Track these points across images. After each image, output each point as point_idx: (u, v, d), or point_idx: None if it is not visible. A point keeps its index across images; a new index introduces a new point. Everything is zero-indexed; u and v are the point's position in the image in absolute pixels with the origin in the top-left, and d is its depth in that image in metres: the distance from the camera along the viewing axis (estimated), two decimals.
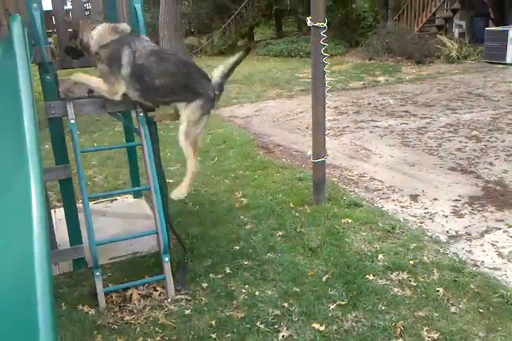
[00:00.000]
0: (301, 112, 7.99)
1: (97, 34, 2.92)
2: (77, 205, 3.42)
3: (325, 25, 3.92)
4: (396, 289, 3.00)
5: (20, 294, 1.84)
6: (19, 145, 2.30)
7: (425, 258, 3.31)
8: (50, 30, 6.09)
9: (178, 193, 3.11)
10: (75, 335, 2.59)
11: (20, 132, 2.31)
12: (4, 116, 2.55)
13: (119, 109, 3.37)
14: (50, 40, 3.52)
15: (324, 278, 3.10)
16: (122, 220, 4.04)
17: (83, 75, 3.04)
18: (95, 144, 6.37)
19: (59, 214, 3.79)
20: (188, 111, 2.94)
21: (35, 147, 2.28)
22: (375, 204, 4.26)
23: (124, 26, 3.03)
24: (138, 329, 2.69)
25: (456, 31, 14.46)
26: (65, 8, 4.08)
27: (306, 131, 6.84)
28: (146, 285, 3.07)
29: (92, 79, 2.99)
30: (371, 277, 3.10)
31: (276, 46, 16.63)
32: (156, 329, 2.69)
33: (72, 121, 3.14)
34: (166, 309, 2.87)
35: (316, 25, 3.92)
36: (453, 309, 2.79)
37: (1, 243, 2.07)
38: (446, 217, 3.97)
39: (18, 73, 2.45)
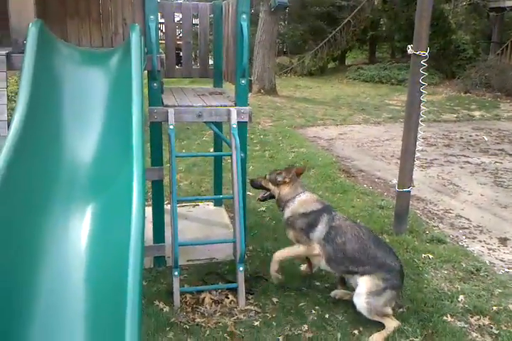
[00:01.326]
0: (387, 140, 7.85)
1: (303, 203, 3.11)
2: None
3: (426, 53, 3.86)
4: (475, 334, 2.82)
5: (114, 280, 1.98)
6: (126, 144, 2.49)
7: (510, 306, 3.10)
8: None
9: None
10: (149, 329, 2.69)
11: (129, 132, 2.50)
12: (116, 115, 2.77)
13: (214, 120, 3.51)
14: (160, 50, 3.78)
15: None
16: (202, 225, 4.18)
17: (282, 252, 3.15)
18: (183, 151, 6.65)
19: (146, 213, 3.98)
20: (368, 279, 2.87)
21: (140, 147, 2.46)
22: (460, 243, 4.06)
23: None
24: (207, 333, 2.75)
25: None
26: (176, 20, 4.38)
27: (391, 159, 6.71)
28: (219, 291, 3.13)
29: (289, 251, 3.14)
30: (449, 318, 2.95)
31: (368, 71, 16.51)
32: (225, 335, 2.73)
33: (172, 127, 3.33)
34: (236, 317, 2.91)
35: (417, 53, 3.87)
36: None
37: (101, 230, 2.25)
38: None
39: (132, 78, 2.67)
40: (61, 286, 2.00)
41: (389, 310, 2.84)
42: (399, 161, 4.26)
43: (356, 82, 16.12)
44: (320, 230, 2.98)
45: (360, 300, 2.82)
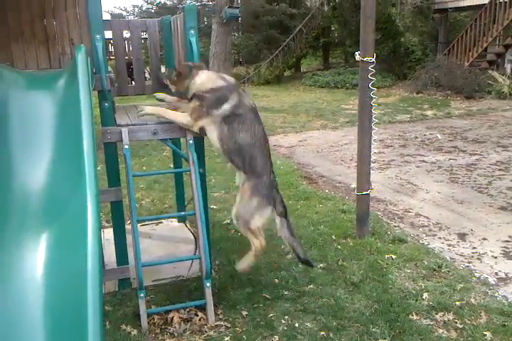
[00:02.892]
0: (345, 144, 8.00)
1: (207, 78, 3.09)
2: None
3: (373, 59, 3.97)
4: (441, 330, 2.90)
5: (73, 308, 1.93)
6: (78, 167, 2.45)
7: (472, 300, 3.20)
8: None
9: (244, 265, 3.17)
10: None
11: (80, 155, 2.46)
12: (66, 139, 2.72)
13: (169, 136, 3.50)
14: (109, 68, 3.74)
15: (366, 314, 3.04)
16: (166, 243, 4.13)
17: (158, 108, 3.20)
18: (144, 168, 6.58)
19: (107, 235, 3.91)
20: (243, 188, 3.01)
21: (92, 170, 2.43)
22: (421, 241, 4.16)
23: (227, 76, 3.20)
24: None
25: (508, 67, 14.21)
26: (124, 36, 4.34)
27: (351, 162, 6.83)
28: (188, 309, 3.09)
29: (170, 113, 3.16)
30: (415, 316, 3.02)
31: (323, 77, 16.83)
32: None
33: (126, 147, 3.28)
34: (206, 334, 2.89)
35: (365, 59, 3.98)
36: None
37: (57, 258, 2.19)
38: (496, 258, 3.83)
39: (80, 100, 2.63)
40: (17, 319, 1.93)
41: (256, 223, 2.96)
42: None
43: (313, 88, 16.39)
44: (225, 109, 2.98)
45: (233, 210, 3.01)
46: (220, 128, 3.02)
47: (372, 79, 4.00)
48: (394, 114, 10.56)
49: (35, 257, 2.16)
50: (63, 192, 2.49)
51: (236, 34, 21.36)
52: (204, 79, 3.08)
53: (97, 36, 3.26)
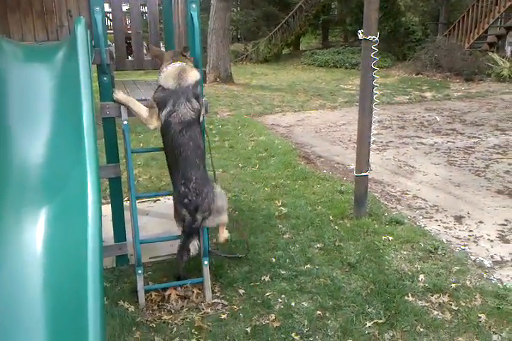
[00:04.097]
0: (344, 124, 7.96)
1: (165, 75, 2.95)
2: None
3: (376, 38, 3.90)
4: (436, 312, 2.93)
5: (73, 283, 1.92)
6: (78, 142, 2.41)
7: (468, 283, 3.23)
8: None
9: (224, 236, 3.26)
10: (114, 330, 2.65)
11: (80, 129, 2.42)
12: (65, 113, 2.67)
13: None
14: (109, 42, 3.65)
15: (362, 295, 3.07)
16: (164, 221, 4.11)
17: (128, 98, 3.09)
18: (141, 144, 6.52)
19: (104, 211, 3.88)
20: None
21: (93, 144, 2.39)
22: (418, 223, 4.18)
23: (191, 75, 2.96)
24: (175, 330, 2.73)
25: (508, 49, 14.08)
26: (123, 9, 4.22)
27: (349, 143, 6.81)
28: (185, 286, 3.11)
29: (136, 105, 3.04)
30: (410, 298, 3.04)
31: (322, 56, 16.64)
32: (192, 330, 2.73)
33: (125, 122, 3.23)
34: (203, 312, 2.91)
35: (368, 38, 3.91)
36: (495, 337, 2.70)
37: (56, 233, 2.17)
38: (492, 241, 3.86)
39: (80, 73, 2.57)
40: (17, 292, 1.92)
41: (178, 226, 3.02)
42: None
43: (311, 67, 16.23)
44: (164, 114, 2.88)
45: None
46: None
47: (375, 59, 3.94)
48: (393, 95, 10.49)
49: (34, 232, 2.14)
50: (63, 166, 2.46)
51: (235, 10, 20.97)
52: (165, 74, 2.95)
53: (97, 8, 3.16)
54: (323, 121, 8.29)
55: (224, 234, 3.25)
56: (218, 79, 12.78)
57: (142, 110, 3.00)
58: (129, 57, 4.25)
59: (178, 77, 2.91)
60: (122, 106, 3.21)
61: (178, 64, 2.97)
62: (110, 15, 3.96)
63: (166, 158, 3.03)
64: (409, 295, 3.07)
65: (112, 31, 4.04)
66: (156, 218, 4.20)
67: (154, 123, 2.96)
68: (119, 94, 3.10)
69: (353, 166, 4.36)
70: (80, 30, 2.71)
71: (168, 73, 2.94)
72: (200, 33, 3.32)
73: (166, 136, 2.92)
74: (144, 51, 4.41)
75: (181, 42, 3.69)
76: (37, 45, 3.28)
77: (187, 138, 2.86)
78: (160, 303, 2.98)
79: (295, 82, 12.82)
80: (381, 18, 15.59)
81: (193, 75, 2.96)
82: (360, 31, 3.93)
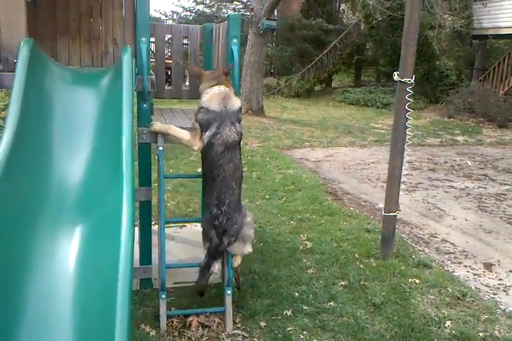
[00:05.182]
0: (373, 163, 7.93)
1: (210, 97, 2.98)
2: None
3: (412, 81, 3.95)
4: None
5: (101, 304, 1.94)
6: (116, 165, 2.48)
7: (496, 333, 3.11)
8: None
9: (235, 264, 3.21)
10: None
11: (118, 153, 2.49)
12: (105, 137, 2.76)
13: None
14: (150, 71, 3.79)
15: (386, 337, 2.98)
16: (189, 247, 4.13)
17: (166, 125, 3.15)
18: (171, 170, 6.63)
19: None
20: None
21: (130, 168, 2.45)
22: (446, 268, 4.08)
23: (235, 101, 3.02)
24: None
25: None
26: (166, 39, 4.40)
27: (377, 182, 6.78)
28: (207, 314, 3.08)
29: (177, 130, 3.08)
30: None
31: (354, 94, 16.80)
32: None
33: (161, 148, 3.31)
34: None
35: (403, 80, 3.96)
36: None
37: (89, 253, 2.21)
38: None
39: (123, 99, 2.67)
40: (48, 309, 1.96)
41: (204, 247, 3.01)
42: (384, 184, 4.31)
43: (342, 104, 16.37)
44: (207, 136, 2.89)
45: None
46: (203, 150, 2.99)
47: (410, 101, 3.97)
48: (424, 137, 10.46)
49: (68, 249, 2.19)
50: (99, 188, 2.52)
51: (270, 45, 21.53)
52: (210, 96, 2.98)
53: (143, 39, 3.31)
54: (352, 159, 8.29)
55: (236, 262, 3.18)
56: (250, 112, 13.01)
57: (184, 134, 3.06)
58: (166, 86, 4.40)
59: (223, 100, 2.95)
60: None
61: (222, 88, 3.02)
62: (152, 45, 4.10)
63: (203, 179, 3.10)
64: None
65: (153, 60, 4.21)
66: (181, 244, 4.22)
67: (198, 144, 2.98)
68: (157, 125, 3.16)
69: (381, 205, 4.32)
70: (127, 58, 2.84)
71: (213, 96, 2.98)
72: (239, 65, 3.43)
73: (207, 156, 2.94)
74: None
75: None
76: (83, 70, 3.44)
77: (227, 159, 2.89)
78: (181, 330, 2.96)
79: (325, 118, 12.93)
80: (416, 61, 15.69)
81: (237, 101, 3.04)
82: (395, 73, 3.99)
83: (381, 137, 10.22)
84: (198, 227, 4.66)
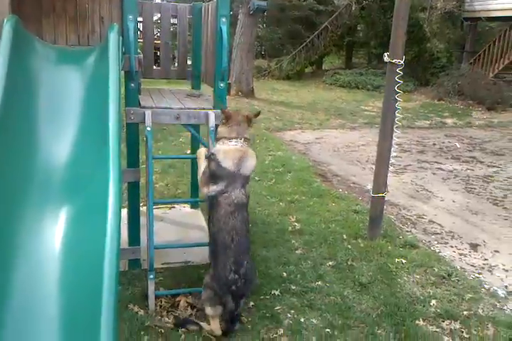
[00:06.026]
0: (362, 145, 7.95)
1: (225, 152, 2.82)
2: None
3: (402, 62, 3.93)
4: (446, 338, 2.88)
5: (88, 283, 1.94)
6: (102, 145, 2.45)
7: (480, 311, 3.17)
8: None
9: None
10: (123, 333, 2.65)
11: (105, 132, 2.46)
12: (92, 116, 2.72)
13: (191, 122, 3.48)
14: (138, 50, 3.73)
15: (372, 316, 3.03)
16: (178, 228, 4.14)
17: (202, 159, 3.02)
18: (160, 152, 6.58)
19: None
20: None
21: (117, 148, 2.43)
22: (432, 248, 4.13)
23: (251, 164, 2.85)
24: (182, 337, 2.73)
25: None
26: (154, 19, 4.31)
27: (366, 164, 6.80)
28: (195, 294, 3.10)
29: (201, 166, 2.97)
30: (421, 322, 3.00)
31: (344, 76, 16.72)
32: (200, 339, 2.71)
33: (149, 129, 3.29)
34: None
35: (393, 61, 3.94)
36: None
37: (76, 233, 2.20)
38: (507, 271, 3.79)
39: (109, 78, 2.63)
40: (34, 289, 1.95)
41: (208, 311, 2.72)
42: (373, 166, 4.32)
43: (333, 86, 16.30)
44: (213, 190, 2.77)
45: None
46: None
47: (400, 82, 3.96)
48: (413, 119, 10.48)
49: (54, 230, 2.17)
50: (86, 168, 2.50)
51: (261, 26, 21.26)
52: (225, 151, 2.82)
53: (130, 17, 3.25)
54: (342, 141, 8.30)
55: None
56: (240, 93, 12.91)
57: (200, 173, 2.94)
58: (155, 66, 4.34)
59: (239, 161, 2.78)
60: (147, 112, 3.27)
61: (240, 144, 2.85)
62: (140, 25, 4.01)
63: (211, 239, 2.81)
64: (421, 319, 3.03)
65: (141, 40, 4.14)
66: (170, 225, 4.22)
67: (203, 189, 2.86)
68: (202, 152, 3.07)
69: (369, 186, 4.33)
70: (113, 37, 2.78)
71: (230, 152, 2.81)
72: (228, 45, 3.37)
73: (216, 214, 2.75)
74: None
75: (208, 55, 3.76)
76: (69, 48, 3.37)
77: (239, 221, 2.73)
78: (169, 309, 2.98)
79: (316, 101, 12.89)
80: (406, 43, 15.56)
81: (252, 164, 2.86)
82: (386, 54, 3.96)
83: (371, 119, 10.23)
84: (186, 209, 4.68)
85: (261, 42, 21.20)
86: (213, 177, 2.79)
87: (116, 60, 2.70)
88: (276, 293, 3.23)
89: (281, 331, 2.84)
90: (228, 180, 2.76)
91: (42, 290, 1.95)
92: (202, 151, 3.12)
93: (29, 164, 2.40)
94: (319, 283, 3.40)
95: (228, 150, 2.82)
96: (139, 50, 3.64)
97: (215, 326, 2.73)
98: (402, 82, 3.96)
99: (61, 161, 2.52)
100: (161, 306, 3.00)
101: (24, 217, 2.18)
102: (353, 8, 18.17)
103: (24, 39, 2.76)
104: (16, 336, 1.84)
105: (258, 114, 3.16)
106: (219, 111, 3.28)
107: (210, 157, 2.86)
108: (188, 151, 5.80)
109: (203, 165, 2.96)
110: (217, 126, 3.29)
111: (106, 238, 2.02)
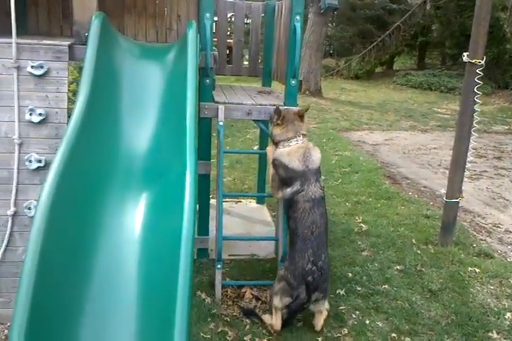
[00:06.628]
0: (434, 148, 7.64)
1: (288, 153, 2.83)
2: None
3: (482, 62, 3.74)
4: None
5: (165, 268, 2.00)
6: (179, 137, 2.52)
7: None
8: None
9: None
10: (191, 318, 2.71)
11: (181, 126, 2.53)
12: (170, 110, 2.81)
13: (262, 118, 3.51)
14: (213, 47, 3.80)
15: (442, 324, 2.91)
16: (244, 222, 4.18)
17: (270, 152, 3.05)
18: (227, 147, 6.68)
19: None
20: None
21: (193, 140, 2.49)
22: (509, 259, 3.90)
23: (317, 157, 2.86)
24: (247, 327, 2.78)
25: None
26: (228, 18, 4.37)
27: (438, 168, 6.54)
28: (260, 287, 3.14)
29: (269, 172, 3.05)
30: (495, 334, 2.84)
31: (416, 77, 16.19)
32: (264, 331, 2.74)
33: (221, 123, 3.35)
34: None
35: (473, 61, 3.75)
36: None
37: (154, 219, 2.29)
38: None
39: (187, 74, 2.70)
40: (115, 270, 2.05)
41: (275, 302, 2.70)
42: (446, 171, 4.16)
43: (404, 87, 15.83)
44: (289, 192, 2.78)
45: None
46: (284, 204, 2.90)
47: (479, 83, 3.77)
48: (490, 124, 9.95)
49: (134, 215, 2.28)
50: (164, 158, 2.59)
51: (331, 25, 21.01)
52: (288, 152, 2.83)
53: (207, 14, 3.31)
54: (412, 143, 8.02)
55: (319, 325, 2.80)
56: (308, 92, 12.85)
57: (269, 180, 2.99)
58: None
59: (304, 158, 2.80)
60: (220, 107, 3.34)
61: (301, 141, 2.87)
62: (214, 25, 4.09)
63: (290, 234, 2.84)
64: (494, 331, 2.87)
65: (215, 39, 4.22)
66: (236, 218, 4.27)
67: (277, 195, 2.92)
68: (271, 150, 3.04)
69: (443, 191, 4.16)
70: (192, 34, 2.86)
71: (293, 151, 2.82)
72: (301, 43, 3.35)
73: (294, 214, 2.76)
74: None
75: (280, 52, 3.76)
76: (150, 44, 3.50)
77: (319, 214, 2.74)
78: (235, 300, 3.03)
79: (385, 101, 12.56)
80: (485, 43, 14.88)
81: (318, 156, 2.87)
82: (465, 54, 3.78)
83: (444, 122, 9.82)
84: (252, 204, 4.72)
85: (330, 41, 20.95)
86: (285, 180, 2.81)
87: (194, 57, 2.77)
88: (342, 292, 3.19)
89: (345, 331, 2.80)
90: (301, 179, 2.77)
91: (121, 272, 2.04)
92: (271, 149, 3.12)
93: (114, 151, 2.53)
94: (386, 286, 3.32)
95: (290, 151, 2.84)
96: (214, 47, 3.73)
97: (276, 320, 2.74)
98: (481, 83, 3.77)
99: (142, 150, 2.63)
100: (226, 295, 3.06)
101: (108, 199, 2.30)
102: (428, 7, 17.53)
103: (110, 34, 2.90)
104: (96, 316, 1.93)
105: (307, 109, 3.15)
106: (290, 107, 3.27)
107: (275, 162, 2.88)
108: (256, 147, 5.86)
109: (270, 170, 2.99)
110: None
111: (182, 225, 2.08)
